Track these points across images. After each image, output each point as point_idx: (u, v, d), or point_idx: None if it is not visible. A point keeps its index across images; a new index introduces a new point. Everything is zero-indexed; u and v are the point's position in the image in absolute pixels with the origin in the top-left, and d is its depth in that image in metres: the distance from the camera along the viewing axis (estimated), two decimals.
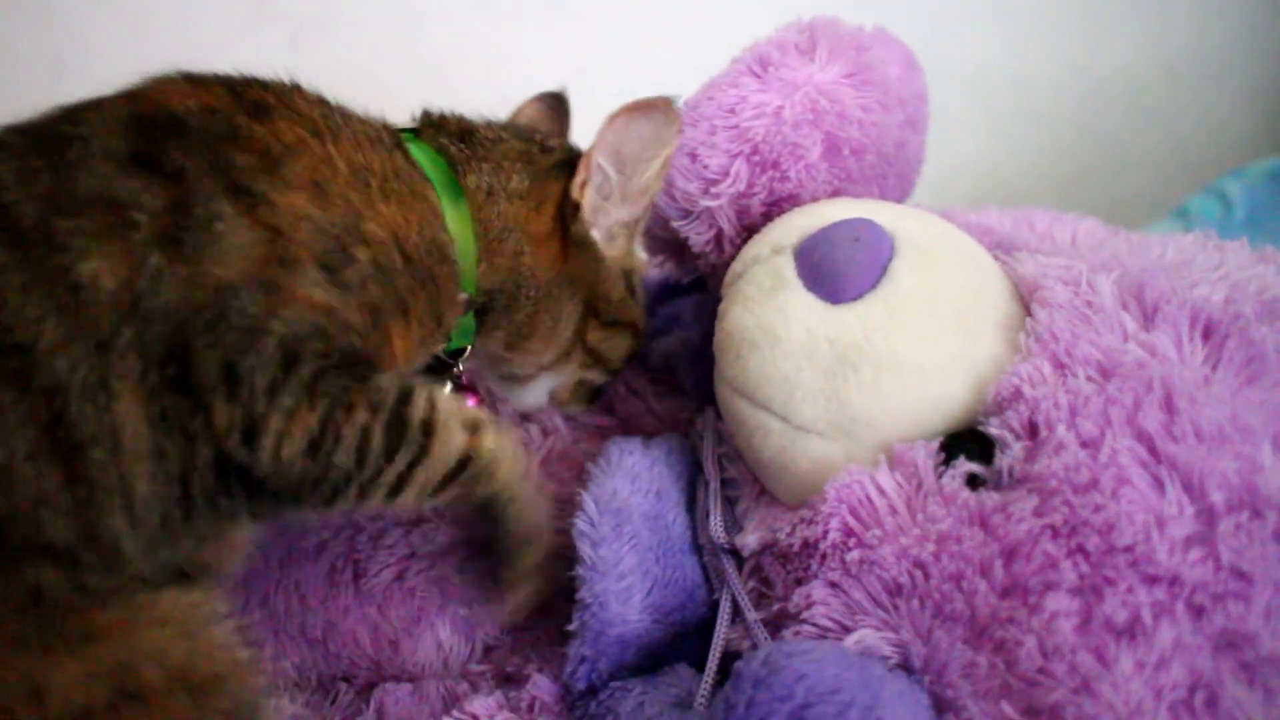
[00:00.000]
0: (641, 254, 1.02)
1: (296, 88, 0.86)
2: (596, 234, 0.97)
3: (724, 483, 0.92)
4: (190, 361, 0.72)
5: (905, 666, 0.73)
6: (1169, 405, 0.70)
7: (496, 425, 0.88)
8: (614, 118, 0.91)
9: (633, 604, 0.84)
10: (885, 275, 0.80)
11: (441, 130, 0.96)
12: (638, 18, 0.95)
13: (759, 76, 0.95)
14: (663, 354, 1.09)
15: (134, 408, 0.71)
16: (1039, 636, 0.67)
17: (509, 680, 0.91)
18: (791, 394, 0.80)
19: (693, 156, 0.95)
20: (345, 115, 0.87)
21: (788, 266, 0.84)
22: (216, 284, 0.73)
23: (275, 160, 0.79)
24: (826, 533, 0.76)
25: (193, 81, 0.82)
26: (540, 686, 0.86)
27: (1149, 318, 0.76)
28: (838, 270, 0.81)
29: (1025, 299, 0.82)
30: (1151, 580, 0.65)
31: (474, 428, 0.86)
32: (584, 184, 0.94)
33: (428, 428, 0.83)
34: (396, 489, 0.82)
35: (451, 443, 0.84)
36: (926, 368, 0.77)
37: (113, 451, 0.70)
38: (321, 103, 0.87)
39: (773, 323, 0.82)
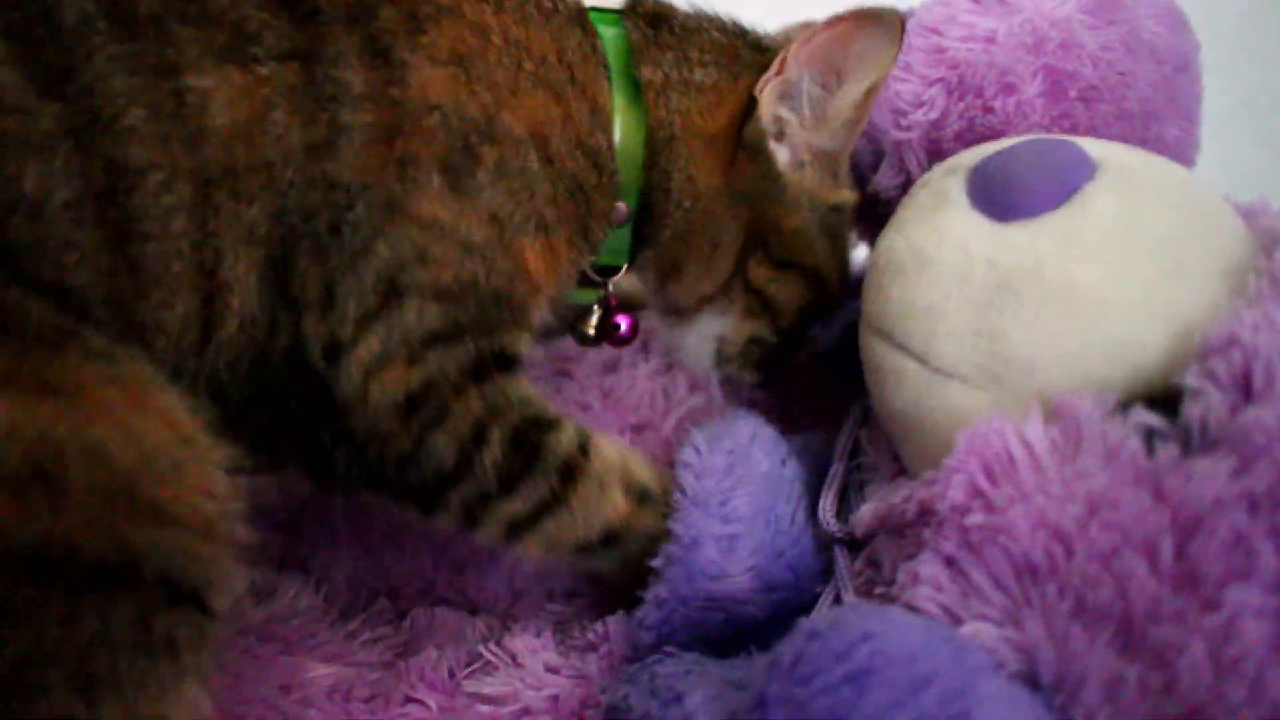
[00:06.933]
0: (849, 192, 0.86)
1: None
2: (778, 149, 0.82)
3: (859, 467, 0.76)
4: (290, 274, 0.67)
5: (1031, 681, 0.54)
6: None
7: (669, 491, 0.74)
8: (833, 24, 0.76)
9: (736, 558, 0.68)
10: (1074, 196, 0.63)
11: (635, 13, 0.85)
12: None
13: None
14: (832, 336, 0.94)
15: (242, 264, 0.66)
16: (1211, 643, 0.47)
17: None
18: (934, 327, 0.64)
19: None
20: None
21: (956, 185, 0.68)
22: (330, 183, 0.67)
23: (421, 22, 0.71)
24: (946, 491, 0.58)
25: None
26: (599, 633, 0.73)
27: None
28: (1012, 181, 0.64)
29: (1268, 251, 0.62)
30: None
31: (641, 496, 0.74)
32: (768, 81, 0.80)
33: (569, 471, 0.72)
34: (514, 530, 0.72)
35: (602, 506, 0.73)
36: (1111, 304, 0.59)
37: (172, 258, 0.64)
38: None
39: (925, 243, 0.66)
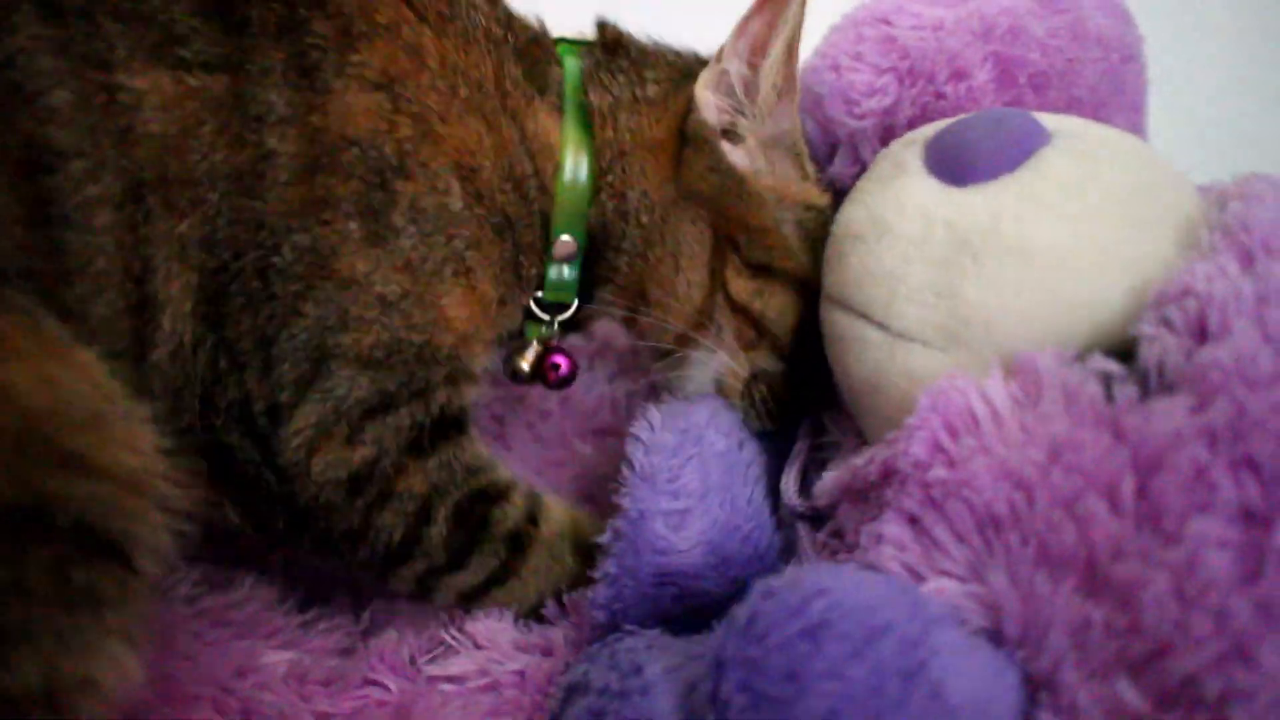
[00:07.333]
0: (819, 191, 0.82)
1: None
2: (733, 151, 0.79)
3: (821, 447, 0.76)
4: (224, 317, 0.66)
5: (996, 637, 0.53)
6: None
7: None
8: (753, 6, 0.76)
9: (684, 533, 0.68)
10: (1030, 159, 0.64)
11: (595, 42, 0.83)
12: None
13: None
14: None
15: (175, 283, 0.66)
16: (1174, 577, 0.47)
17: None
18: (895, 291, 0.64)
19: (836, 70, 0.82)
20: (476, 4, 0.76)
21: (914, 155, 0.68)
22: (258, 222, 0.67)
23: (354, 40, 0.70)
24: (909, 449, 0.58)
25: None
26: (559, 610, 0.74)
27: None
28: (969, 146, 0.65)
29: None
30: None
31: (591, 556, 0.72)
32: (704, 72, 0.78)
33: (518, 541, 0.73)
34: (468, 598, 0.74)
35: (553, 571, 0.74)
36: (1068, 259, 0.60)
37: (96, 252, 0.63)
38: None
39: (884, 211, 0.67)
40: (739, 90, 0.78)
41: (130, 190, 0.63)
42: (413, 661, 0.71)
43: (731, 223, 0.78)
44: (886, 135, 0.81)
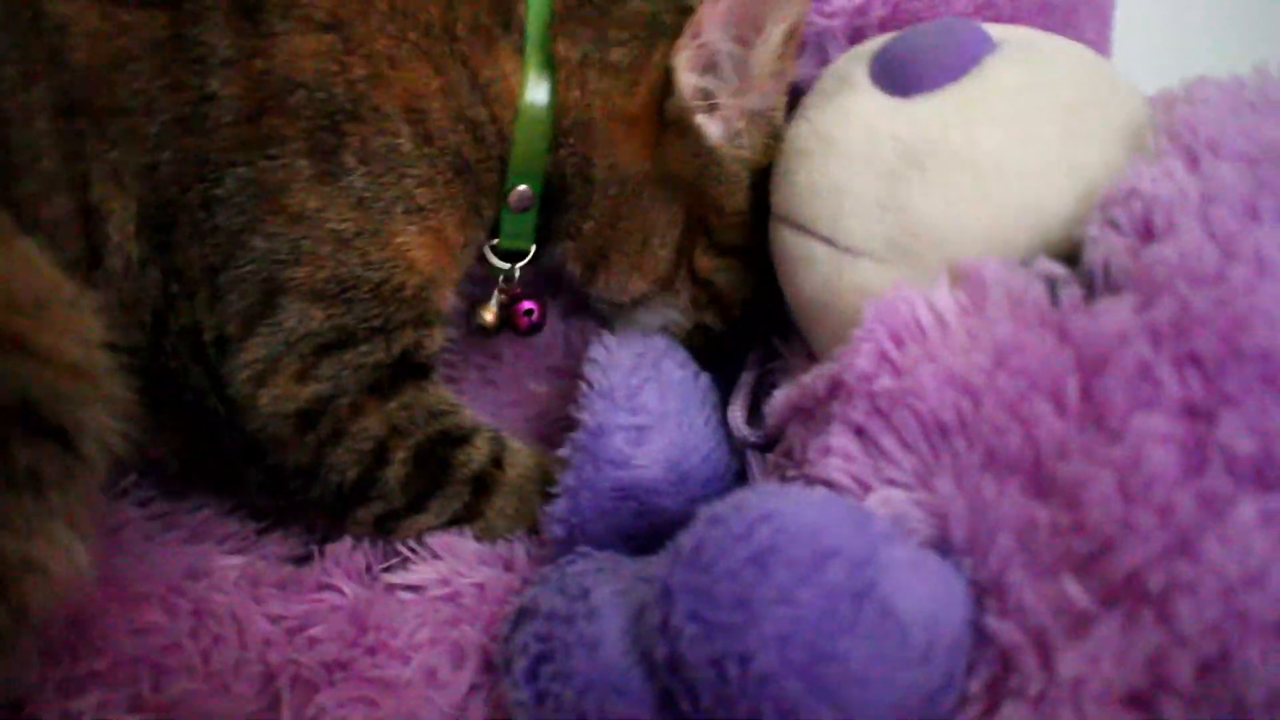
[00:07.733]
0: None
1: None
2: (708, 122, 0.74)
3: (770, 372, 0.76)
4: (173, 242, 0.65)
5: (943, 546, 0.53)
6: None
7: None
8: None
9: (644, 449, 0.67)
10: (976, 67, 0.63)
11: None
12: None
13: None
14: None
15: (116, 203, 0.64)
16: (1119, 473, 0.47)
17: None
18: (841, 206, 0.63)
19: None
20: None
21: (859, 68, 0.67)
22: (201, 159, 0.65)
23: None
24: (855, 361, 0.57)
25: None
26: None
27: None
28: (915, 55, 0.64)
29: None
30: None
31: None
32: (682, 50, 0.72)
33: (482, 484, 0.71)
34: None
35: (522, 511, 0.73)
36: (1016, 167, 0.59)
37: (40, 154, 0.62)
38: None
39: (829, 125, 0.66)
40: (727, 68, 0.72)
41: (60, 107, 0.62)
42: (369, 569, 0.71)
43: (707, 206, 0.76)
44: (856, 36, 0.80)
